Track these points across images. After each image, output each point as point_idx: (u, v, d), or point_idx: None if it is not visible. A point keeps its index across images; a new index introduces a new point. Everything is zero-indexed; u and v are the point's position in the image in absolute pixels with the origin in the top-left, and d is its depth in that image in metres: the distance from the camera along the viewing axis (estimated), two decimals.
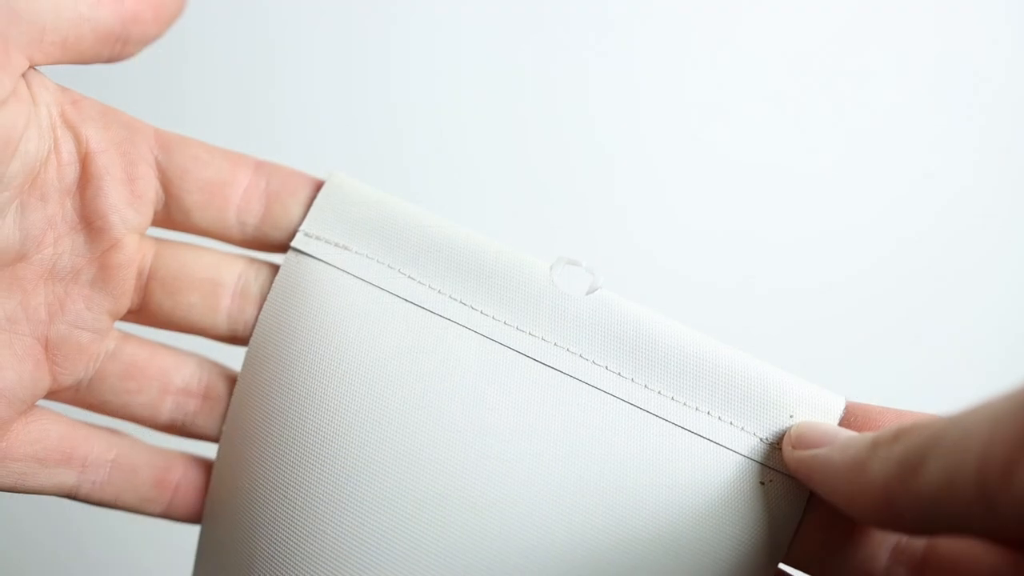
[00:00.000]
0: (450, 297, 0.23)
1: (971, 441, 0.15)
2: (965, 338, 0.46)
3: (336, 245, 0.24)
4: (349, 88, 0.46)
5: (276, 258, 0.25)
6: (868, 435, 0.18)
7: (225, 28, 0.45)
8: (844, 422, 0.21)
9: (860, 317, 0.46)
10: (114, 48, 0.21)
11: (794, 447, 0.20)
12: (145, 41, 0.22)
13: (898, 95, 0.44)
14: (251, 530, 0.23)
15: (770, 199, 0.46)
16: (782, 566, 0.22)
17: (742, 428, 0.22)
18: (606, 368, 0.22)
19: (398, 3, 0.45)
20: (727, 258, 0.46)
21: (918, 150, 0.44)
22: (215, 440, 0.25)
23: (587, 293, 0.23)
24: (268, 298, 0.24)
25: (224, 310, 0.24)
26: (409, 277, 0.24)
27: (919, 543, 0.20)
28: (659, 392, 0.22)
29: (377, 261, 0.24)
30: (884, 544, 0.20)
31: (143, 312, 0.24)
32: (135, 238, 0.23)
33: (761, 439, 0.21)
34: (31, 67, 0.20)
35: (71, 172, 0.22)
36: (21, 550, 0.51)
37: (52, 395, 0.23)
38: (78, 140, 0.22)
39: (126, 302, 0.24)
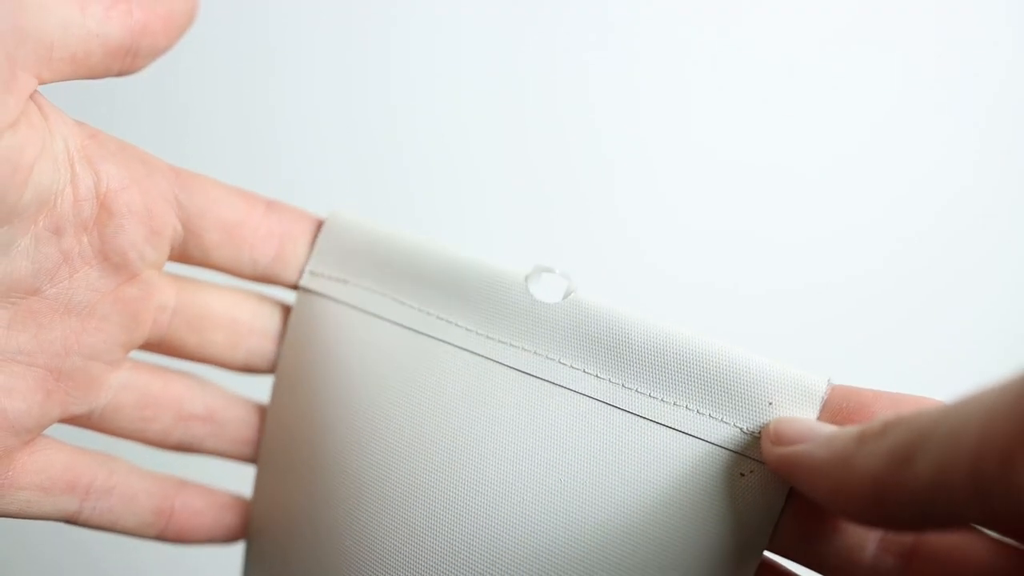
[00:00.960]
0: (437, 317, 0.24)
1: (965, 432, 0.14)
2: (965, 339, 0.46)
3: (336, 280, 0.26)
4: (349, 90, 0.46)
5: (283, 292, 0.27)
6: (853, 429, 0.17)
7: (226, 34, 0.45)
8: (832, 406, 0.21)
9: (861, 318, 0.46)
10: (124, 62, 0.21)
11: (773, 443, 0.20)
12: (155, 54, 0.22)
13: (898, 96, 0.44)
14: (294, 548, 0.25)
15: (770, 200, 0.46)
16: (767, 554, 0.21)
17: (721, 420, 0.21)
18: (584, 371, 0.23)
19: (398, 5, 0.45)
20: (726, 259, 0.46)
21: (918, 151, 0.44)
22: (219, 456, 0.27)
23: (563, 298, 0.23)
24: (285, 338, 0.26)
25: (244, 346, 0.26)
26: (400, 302, 0.25)
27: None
28: (636, 390, 0.22)
29: (372, 291, 0.25)
30: (871, 532, 0.20)
31: (163, 346, 0.25)
32: (152, 274, 0.24)
33: (741, 429, 0.21)
34: (38, 88, 0.20)
35: (88, 208, 0.22)
36: (20, 552, 0.51)
37: (65, 420, 0.24)
38: (97, 176, 0.22)
39: (142, 336, 0.24)
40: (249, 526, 0.27)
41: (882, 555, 0.20)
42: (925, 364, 0.46)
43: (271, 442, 0.26)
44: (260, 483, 0.27)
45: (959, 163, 0.44)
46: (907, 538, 0.19)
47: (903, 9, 0.43)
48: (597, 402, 0.22)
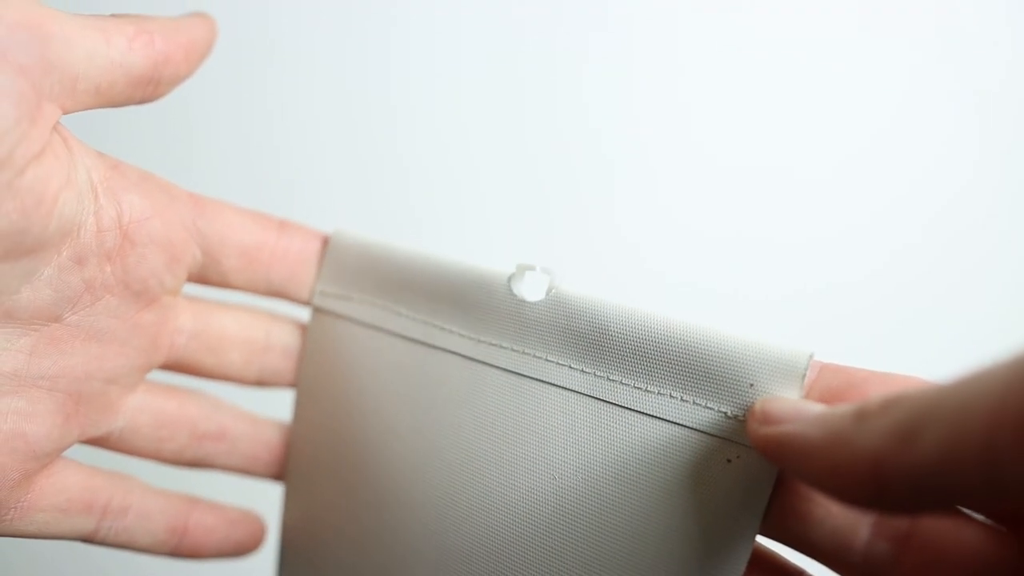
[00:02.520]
0: (433, 325, 0.25)
1: (976, 405, 0.14)
2: (966, 342, 0.46)
3: (342, 297, 0.27)
4: (348, 91, 0.46)
5: (289, 308, 0.28)
6: (847, 407, 0.17)
7: (226, 37, 0.45)
8: (821, 385, 0.20)
9: (863, 321, 0.46)
10: (146, 90, 0.22)
11: (760, 423, 0.19)
12: (176, 81, 0.22)
13: (898, 97, 0.44)
14: (326, 558, 0.27)
15: (770, 203, 0.46)
16: (760, 539, 0.21)
17: (705, 406, 0.21)
18: (569, 367, 0.23)
19: (397, 5, 0.45)
20: (726, 263, 0.46)
21: (918, 153, 0.44)
22: (231, 472, 0.27)
23: (545, 295, 0.23)
24: (303, 357, 0.27)
25: (257, 363, 0.27)
26: (398, 314, 0.26)
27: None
28: (620, 382, 0.22)
29: (373, 305, 0.26)
30: (865, 516, 0.19)
31: (180, 366, 0.26)
32: (170, 299, 0.24)
33: (725, 414, 0.21)
34: (60, 119, 0.20)
35: (111, 238, 0.22)
36: (20, 552, 0.51)
37: (83, 442, 0.24)
38: (120, 207, 0.22)
39: (160, 359, 0.25)
40: (281, 538, 0.28)
41: (875, 540, 0.19)
42: (927, 366, 0.46)
43: (296, 458, 0.27)
44: (289, 497, 0.28)
45: (959, 166, 0.44)
46: (902, 523, 0.19)
47: (903, 10, 0.43)
48: (583, 396, 0.23)
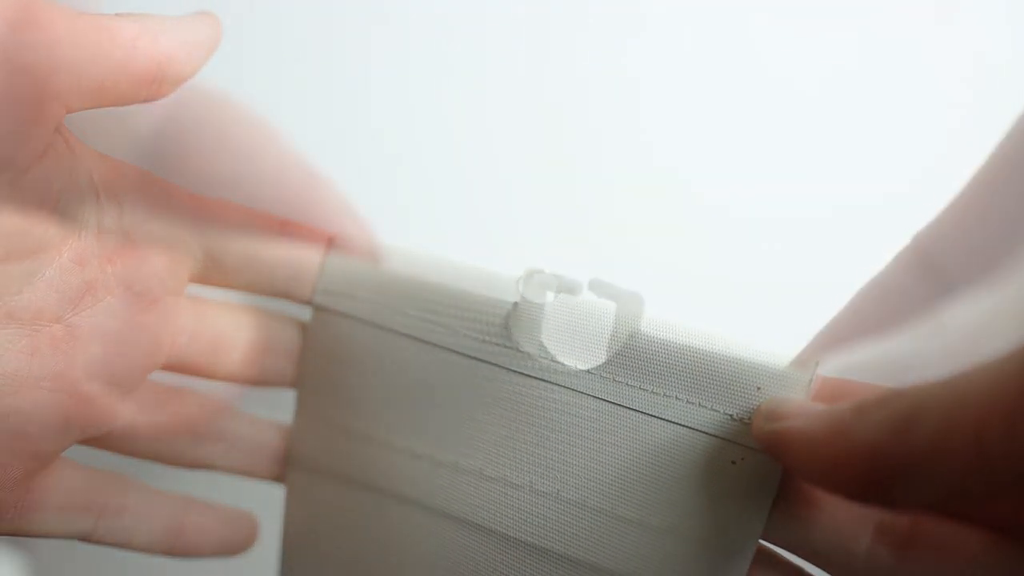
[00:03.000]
0: (438, 324, 0.25)
1: (969, 397, 0.14)
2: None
3: (345, 295, 0.27)
4: (347, 88, 0.46)
5: (290, 308, 0.27)
6: (848, 403, 0.17)
7: (229, 31, 0.45)
8: (824, 395, 0.20)
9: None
10: (150, 90, 0.21)
11: (767, 420, 0.20)
12: (180, 81, 0.22)
13: (897, 97, 0.44)
14: (329, 559, 0.27)
15: (774, 203, 0.46)
16: (761, 542, 0.21)
17: (711, 408, 0.21)
18: (575, 368, 0.23)
19: (397, 5, 0.45)
20: (729, 259, 0.46)
21: (917, 151, 0.44)
22: (231, 474, 0.27)
23: (553, 298, 0.23)
24: (303, 356, 0.27)
25: (258, 364, 0.27)
26: (403, 313, 0.26)
27: (904, 521, 0.19)
28: (626, 384, 0.22)
29: (377, 303, 0.26)
30: (866, 522, 0.20)
31: (181, 367, 0.26)
32: (172, 299, 0.24)
33: (731, 416, 0.21)
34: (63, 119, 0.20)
35: (112, 239, 0.22)
36: (20, 552, 0.51)
37: (83, 443, 0.24)
38: (121, 208, 0.22)
39: (160, 359, 0.25)
40: (283, 539, 0.28)
41: (876, 546, 0.20)
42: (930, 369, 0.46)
43: (296, 458, 0.27)
44: (289, 497, 0.28)
45: (958, 166, 0.44)
46: (902, 528, 0.19)
47: (901, 9, 0.43)
48: (588, 397, 0.23)
